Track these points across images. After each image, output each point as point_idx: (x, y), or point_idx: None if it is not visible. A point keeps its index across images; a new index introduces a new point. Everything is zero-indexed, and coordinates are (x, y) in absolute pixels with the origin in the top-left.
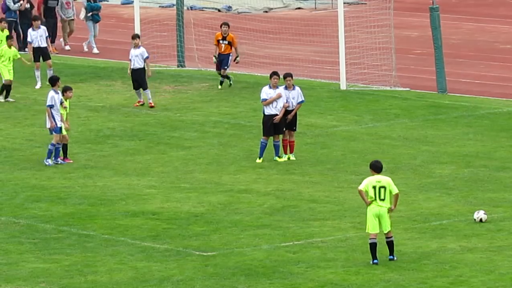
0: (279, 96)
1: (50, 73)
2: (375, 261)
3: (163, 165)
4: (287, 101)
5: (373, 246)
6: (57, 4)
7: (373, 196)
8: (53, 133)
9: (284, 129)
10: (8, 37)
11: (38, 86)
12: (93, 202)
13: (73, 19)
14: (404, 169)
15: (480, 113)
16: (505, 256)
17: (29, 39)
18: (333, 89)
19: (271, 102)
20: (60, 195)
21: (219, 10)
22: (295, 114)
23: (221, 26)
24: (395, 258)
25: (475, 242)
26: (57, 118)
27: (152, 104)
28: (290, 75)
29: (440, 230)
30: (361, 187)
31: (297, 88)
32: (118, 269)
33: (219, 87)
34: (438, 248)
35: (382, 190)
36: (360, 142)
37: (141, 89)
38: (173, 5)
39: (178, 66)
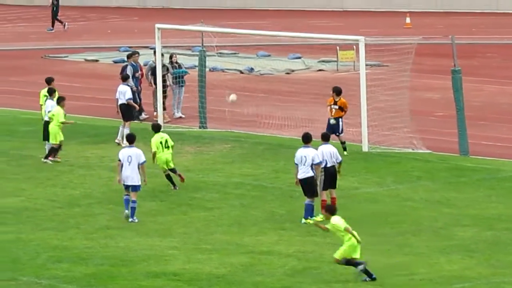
0: None
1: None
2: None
3: (185, 226)
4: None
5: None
6: (167, 71)
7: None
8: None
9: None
10: None
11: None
12: (115, 262)
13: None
14: (426, 231)
15: (503, 176)
16: None
17: (48, 109)
18: (355, 151)
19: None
20: (82, 256)
21: (241, 72)
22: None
23: (333, 92)
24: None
25: None
26: None
27: None
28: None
29: None
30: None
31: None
32: None
33: None
34: None
35: None
36: (382, 204)
37: None
38: (195, 66)
39: (200, 128)
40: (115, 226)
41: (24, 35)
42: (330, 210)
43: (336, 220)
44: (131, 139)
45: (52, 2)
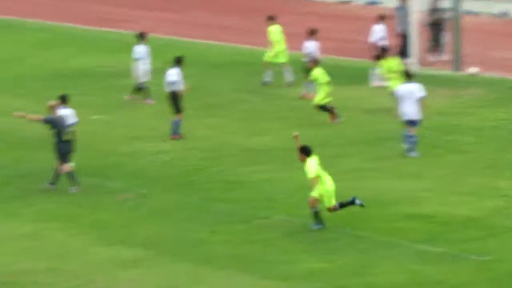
0: None
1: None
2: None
3: (439, 168)
4: None
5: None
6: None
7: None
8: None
9: None
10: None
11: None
12: (367, 204)
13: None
14: None
15: None
16: None
17: (308, 50)
18: None
19: None
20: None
21: (494, 16)
22: None
23: None
24: None
25: None
26: None
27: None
28: None
29: None
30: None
31: None
32: (393, 271)
33: None
34: None
35: None
36: None
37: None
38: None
39: (454, 70)
40: (367, 167)
41: None
42: (306, 151)
43: (309, 164)
44: (410, 74)
45: None
